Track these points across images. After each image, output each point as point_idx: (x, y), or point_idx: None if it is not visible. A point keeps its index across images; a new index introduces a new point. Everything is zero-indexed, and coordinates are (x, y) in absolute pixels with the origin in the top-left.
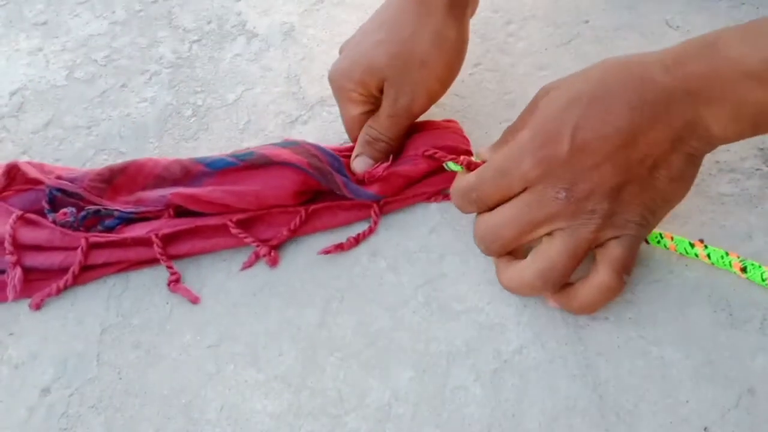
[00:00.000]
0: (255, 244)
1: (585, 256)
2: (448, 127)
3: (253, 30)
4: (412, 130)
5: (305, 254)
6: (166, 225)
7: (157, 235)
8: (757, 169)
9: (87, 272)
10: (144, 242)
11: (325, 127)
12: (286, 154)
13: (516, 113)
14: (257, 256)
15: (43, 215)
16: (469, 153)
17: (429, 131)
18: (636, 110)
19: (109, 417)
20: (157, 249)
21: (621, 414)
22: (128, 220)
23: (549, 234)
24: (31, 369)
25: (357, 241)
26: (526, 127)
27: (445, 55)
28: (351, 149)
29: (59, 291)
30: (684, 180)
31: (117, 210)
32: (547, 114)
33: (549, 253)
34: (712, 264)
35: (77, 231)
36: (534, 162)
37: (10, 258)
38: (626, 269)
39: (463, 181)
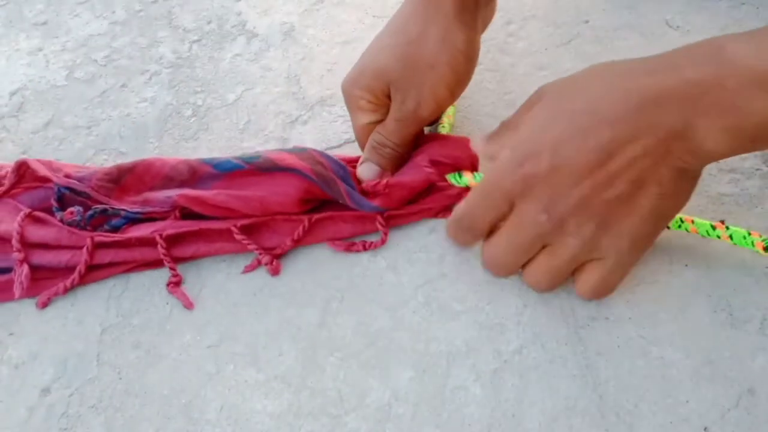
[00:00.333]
0: (258, 252)
1: (567, 275)
2: (457, 140)
3: (253, 30)
4: (421, 142)
5: (305, 254)
6: (171, 226)
7: (161, 236)
8: (757, 169)
9: (93, 272)
10: (148, 242)
11: (325, 127)
12: (291, 159)
13: None
14: (259, 263)
15: (52, 213)
16: (474, 167)
17: (435, 142)
18: (619, 122)
19: (109, 417)
20: (160, 249)
21: (621, 414)
22: (135, 220)
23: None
24: (31, 369)
25: (365, 248)
26: (515, 132)
27: (452, 60)
28: (355, 160)
29: (66, 290)
30: (678, 196)
31: (123, 210)
32: (530, 128)
33: (534, 270)
34: (735, 244)
35: (84, 230)
36: (514, 179)
37: (17, 255)
38: (597, 294)
39: (455, 212)
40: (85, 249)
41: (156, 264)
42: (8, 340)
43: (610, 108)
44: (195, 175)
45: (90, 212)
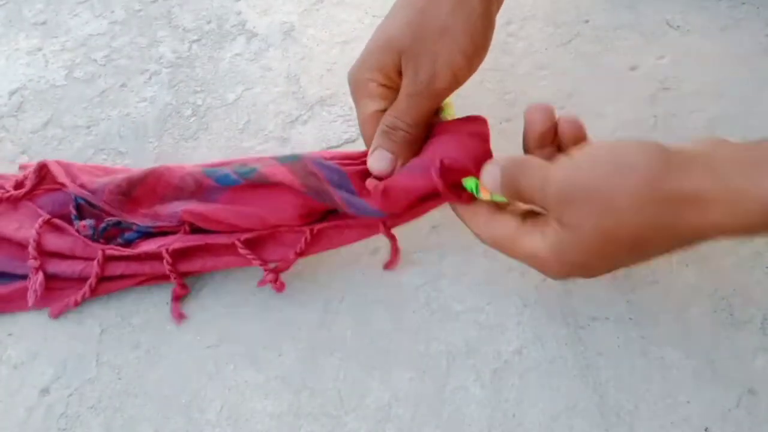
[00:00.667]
0: (263, 267)
1: None
2: (473, 133)
3: (252, 30)
4: (433, 130)
5: None
6: (178, 240)
7: (167, 251)
8: None
9: (105, 283)
10: (157, 256)
11: (325, 127)
12: (282, 174)
13: (516, 113)
14: (265, 283)
15: (70, 219)
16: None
17: (449, 135)
18: (666, 246)
19: (109, 417)
20: (166, 264)
21: (621, 414)
22: (147, 233)
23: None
24: (30, 369)
25: (395, 259)
26: (550, 227)
27: (468, 23)
28: (362, 156)
29: (77, 304)
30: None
31: (135, 224)
32: (573, 243)
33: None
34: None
35: (96, 242)
36: (553, 276)
37: (33, 263)
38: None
39: (490, 231)
40: (96, 262)
41: (166, 278)
42: (8, 340)
43: (657, 244)
44: (200, 187)
45: (103, 225)
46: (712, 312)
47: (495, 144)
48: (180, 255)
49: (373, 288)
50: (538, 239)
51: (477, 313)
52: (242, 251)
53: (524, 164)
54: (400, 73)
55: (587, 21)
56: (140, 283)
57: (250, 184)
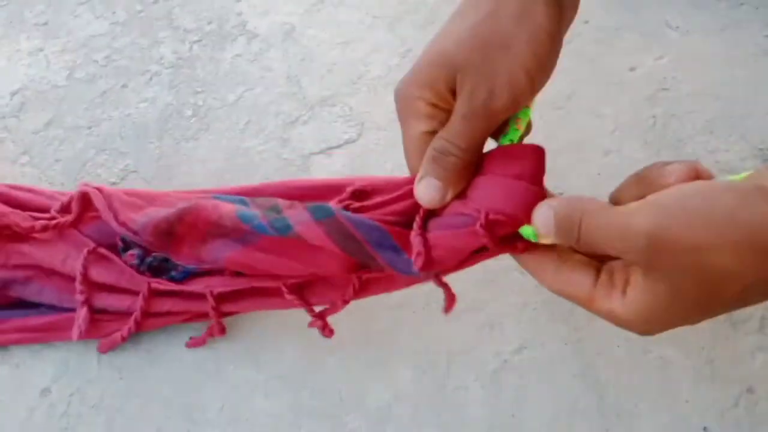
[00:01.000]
0: (309, 311)
1: None
2: (523, 174)
3: (253, 30)
4: (483, 164)
5: None
6: (223, 283)
7: (212, 293)
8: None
9: (151, 319)
10: (203, 296)
11: (325, 128)
12: (320, 238)
13: None
14: (313, 326)
15: (117, 249)
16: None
17: (496, 178)
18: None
19: (110, 417)
20: (210, 306)
21: (621, 414)
22: (193, 273)
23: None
24: (31, 368)
25: (451, 306)
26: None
27: (533, 38)
28: (408, 183)
29: (124, 340)
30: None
31: (181, 265)
32: (651, 302)
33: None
34: None
35: (143, 275)
36: (632, 330)
37: (79, 297)
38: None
39: (561, 287)
40: (141, 296)
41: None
42: None
43: (761, 294)
44: (239, 230)
45: (150, 259)
46: None
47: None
48: (225, 296)
49: None
50: (618, 302)
51: (477, 313)
52: (288, 297)
53: (591, 209)
54: (453, 92)
55: (587, 21)
56: (187, 320)
57: (284, 239)
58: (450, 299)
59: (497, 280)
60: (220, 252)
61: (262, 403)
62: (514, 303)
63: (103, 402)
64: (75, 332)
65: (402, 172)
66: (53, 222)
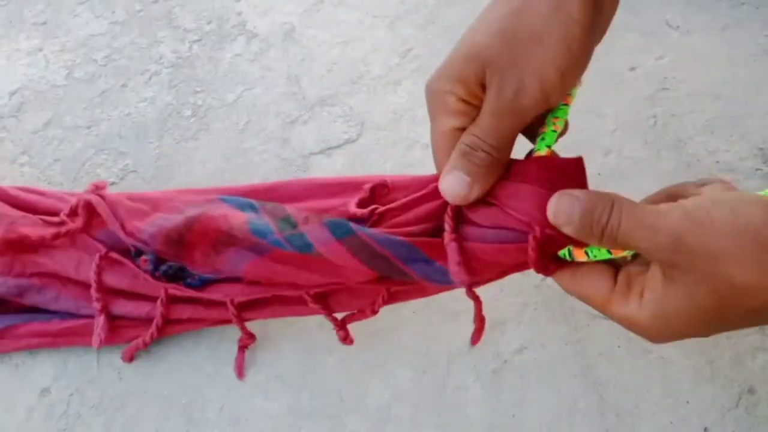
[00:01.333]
0: (332, 320)
1: None
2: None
3: (253, 30)
4: (524, 175)
5: None
6: (243, 292)
7: (232, 302)
8: (757, 169)
9: (172, 325)
10: (223, 303)
11: (325, 127)
12: (344, 257)
13: None
14: (337, 333)
15: (129, 254)
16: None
17: (544, 191)
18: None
19: (110, 417)
20: (231, 313)
21: (621, 414)
22: (210, 281)
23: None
24: (31, 369)
25: (481, 328)
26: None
27: (565, 32)
28: (432, 181)
29: (146, 345)
30: None
31: (197, 274)
32: (667, 309)
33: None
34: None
35: (158, 280)
36: (647, 338)
37: (96, 305)
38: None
39: (578, 288)
40: (159, 302)
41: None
42: None
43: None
44: (253, 242)
45: (165, 267)
46: None
47: None
48: (245, 304)
49: None
50: (635, 306)
51: None
52: (312, 306)
53: (622, 203)
54: (483, 87)
55: None
56: (207, 326)
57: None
58: (480, 323)
59: (497, 280)
60: (237, 264)
61: (262, 403)
62: (514, 303)
63: (103, 402)
64: (95, 340)
65: (402, 172)
66: (64, 229)
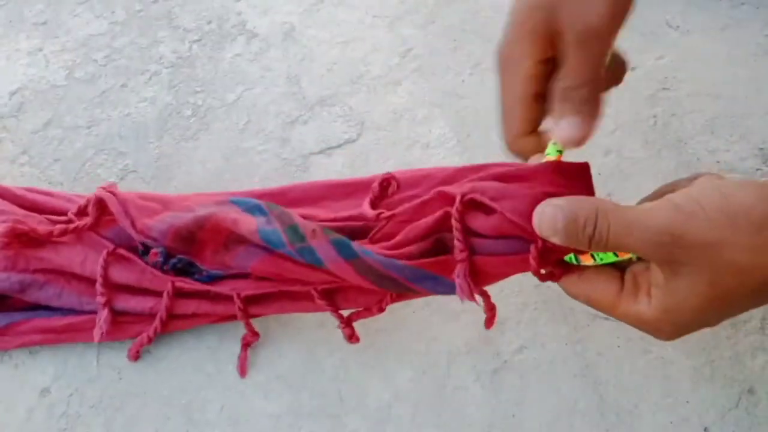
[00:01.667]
0: (339, 318)
1: None
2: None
3: (253, 30)
4: (531, 181)
5: None
6: (250, 286)
7: (239, 296)
8: (757, 169)
9: (176, 321)
10: (229, 298)
11: (325, 127)
12: (351, 273)
13: None
14: (343, 330)
15: (137, 251)
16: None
17: (539, 196)
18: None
19: (109, 417)
20: (238, 308)
21: (621, 414)
22: (218, 277)
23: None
24: (30, 369)
25: (492, 317)
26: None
27: None
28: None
29: (150, 341)
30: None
31: (206, 270)
32: (672, 304)
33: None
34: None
35: (167, 273)
36: (660, 337)
37: (100, 299)
38: None
39: (586, 293)
40: (165, 294)
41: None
42: None
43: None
44: (262, 246)
45: (175, 260)
46: None
47: (494, 144)
48: (252, 299)
49: None
50: (644, 304)
51: (477, 313)
52: (319, 302)
53: (606, 208)
54: (554, 35)
55: None
56: (212, 322)
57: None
58: (490, 312)
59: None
60: (247, 260)
61: (262, 403)
62: (514, 303)
63: (103, 402)
64: (97, 333)
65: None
66: (72, 226)
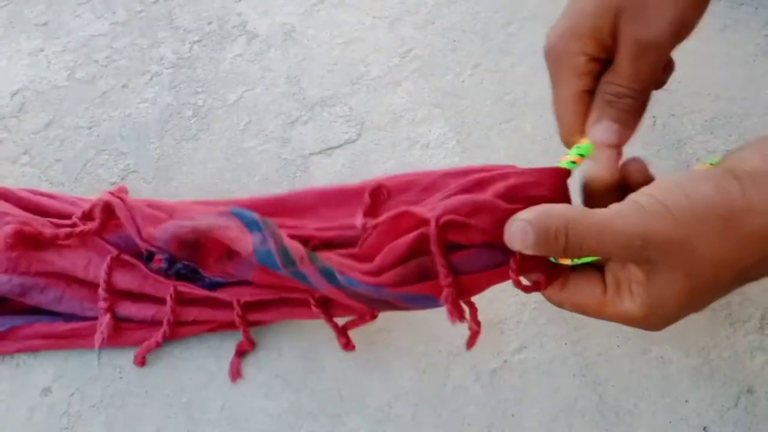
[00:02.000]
0: (333, 327)
1: None
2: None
3: (253, 30)
4: (506, 190)
5: None
6: (250, 293)
7: (238, 302)
8: None
9: (179, 328)
10: (230, 305)
11: (326, 128)
12: (343, 298)
13: (516, 113)
14: (338, 340)
15: (141, 257)
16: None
17: (510, 208)
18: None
19: (110, 416)
20: (236, 315)
21: (621, 414)
22: (220, 284)
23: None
24: (31, 368)
25: (477, 332)
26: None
27: None
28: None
29: (158, 345)
30: None
31: (209, 277)
32: (655, 297)
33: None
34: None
35: (169, 279)
36: (650, 329)
37: (102, 304)
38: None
39: (570, 299)
40: (169, 298)
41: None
42: None
43: (758, 272)
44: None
45: (179, 266)
46: (711, 311)
47: (494, 144)
48: (251, 305)
49: None
50: (628, 301)
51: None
52: (315, 310)
53: (574, 216)
54: (614, 38)
55: None
56: (212, 330)
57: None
58: (476, 325)
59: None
60: (248, 269)
61: (262, 402)
62: (514, 303)
63: (104, 401)
64: (97, 339)
65: (402, 172)
66: (77, 230)
